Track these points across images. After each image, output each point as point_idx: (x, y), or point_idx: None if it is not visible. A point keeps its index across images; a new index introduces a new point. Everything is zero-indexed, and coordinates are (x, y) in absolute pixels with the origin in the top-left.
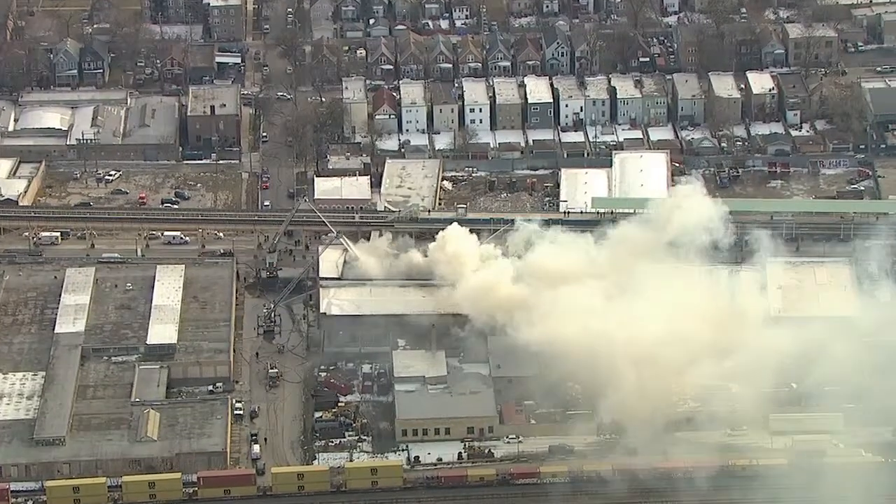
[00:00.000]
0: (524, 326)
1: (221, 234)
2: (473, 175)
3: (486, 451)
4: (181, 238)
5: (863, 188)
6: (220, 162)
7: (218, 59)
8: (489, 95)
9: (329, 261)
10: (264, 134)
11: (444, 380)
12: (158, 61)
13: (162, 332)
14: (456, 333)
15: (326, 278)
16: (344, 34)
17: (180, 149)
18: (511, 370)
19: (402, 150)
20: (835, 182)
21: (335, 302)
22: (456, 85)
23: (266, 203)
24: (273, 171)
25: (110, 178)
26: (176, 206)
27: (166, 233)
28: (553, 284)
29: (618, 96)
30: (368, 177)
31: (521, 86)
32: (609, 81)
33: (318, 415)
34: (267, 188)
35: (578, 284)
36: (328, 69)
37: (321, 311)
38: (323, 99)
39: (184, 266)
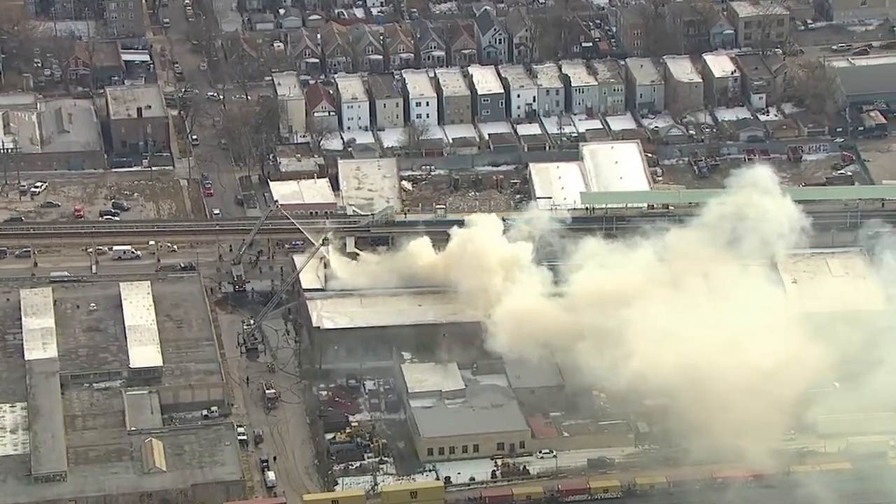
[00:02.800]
0: (603, 361)
1: (175, 247)
2: (432, 174)
3: (521, 467)
4: (132, 252)
5: (850, 173)
6: (153, 169)
7: (124, 57)
8: (434, 88)
9: (308, 271)
10: (194, 137)
11: (463, 393)
12: (56, 61)
13: (144, 354)
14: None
15: (311, 290)
16: (253, 26)
17: (105, 156)
18: (532, 380)
19: (349, 149)
20: (818, 168)
21: (326, 315)
22: (395, 77)
23: (216, 211)
24: (213, 177)
25: (36, 190)
26: (118, 219)
27: (116, 247)
28: (620, 306)
29: (572, 84)
30: (327, 179)
31: (466, 76)
32: (560, 69)
33: (329, 436)
34: (211, 195)
35: (656, 305)
36: (249, 65)
37: (314, 325)
38: (249, 97)
39: (149, 282)
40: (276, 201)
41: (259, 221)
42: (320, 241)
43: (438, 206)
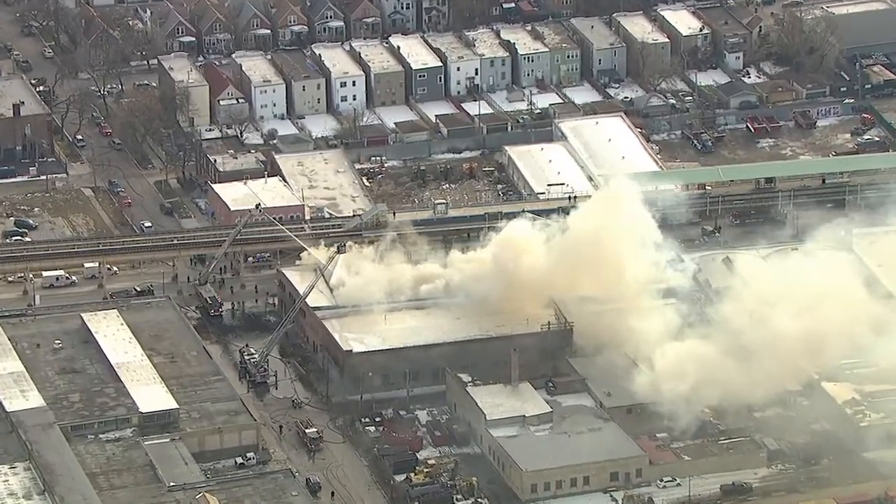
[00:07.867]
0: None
1: (116, 269)
2: (386, 166)
3: (646, 499)
4: (66, 277)
5: (878, 138)
6: (46, 178)
7: None
8: (359, 64)
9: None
10: (80, 137)
11: (550, 418)
12: None
13: (152, 396)
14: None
15: (322, 308)
16: (90, 1)
17: None
18: (625, 398)
19: (274, 142)
20: (835, 134)
21: (350, 336)
22: (306, 54)
23: (147, 224)
24: (121, 184)
25: None
26: (28, 240)
27: (46, 273)
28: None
29: (518, 52)
30: (278, 178)
31: (389, 48)
32: (498, 35)
33: (401, 478)
34: (130, 205)
35: None
36: (110, 48)
37: (343, 349)
38: (124, 87)
39: (116, 311)
40: (258, 205)
41: (235, 231)
42: (335, 250)
43: (438, 202)
